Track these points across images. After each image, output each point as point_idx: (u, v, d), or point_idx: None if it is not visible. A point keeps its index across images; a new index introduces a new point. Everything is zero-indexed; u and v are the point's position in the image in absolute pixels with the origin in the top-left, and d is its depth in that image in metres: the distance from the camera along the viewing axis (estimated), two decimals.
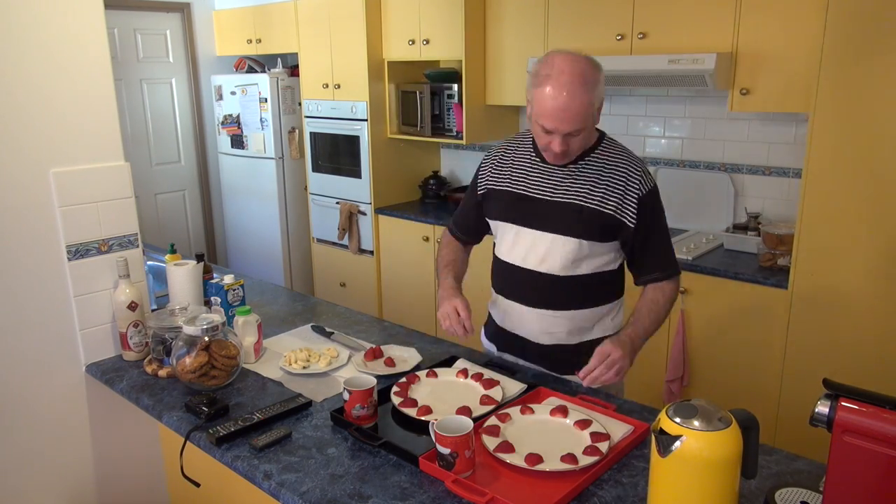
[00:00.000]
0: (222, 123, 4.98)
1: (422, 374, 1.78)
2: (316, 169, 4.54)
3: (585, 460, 1.38)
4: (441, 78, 3.96)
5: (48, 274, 1.91)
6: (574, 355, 1.76)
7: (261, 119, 4.66)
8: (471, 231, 2.00)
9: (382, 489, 1.35)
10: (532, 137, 1.79)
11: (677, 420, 1.11)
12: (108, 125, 1.98)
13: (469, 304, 1.78)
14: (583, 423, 1.51)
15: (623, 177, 1.71)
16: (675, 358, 2.98)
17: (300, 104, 4.59)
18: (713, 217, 3.35)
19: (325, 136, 4.41)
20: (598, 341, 1.68)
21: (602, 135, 1.77)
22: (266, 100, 4.58)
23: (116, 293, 1.97)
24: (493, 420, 1.53)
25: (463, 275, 1.98)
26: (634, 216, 1.70)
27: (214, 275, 2.18)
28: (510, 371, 1.81)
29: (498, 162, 1.87)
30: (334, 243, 4.51)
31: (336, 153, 4.38)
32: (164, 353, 1.86)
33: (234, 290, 2.09)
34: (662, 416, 1.14)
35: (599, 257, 1.75)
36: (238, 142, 4.90)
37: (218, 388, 1.78)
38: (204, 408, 1.62)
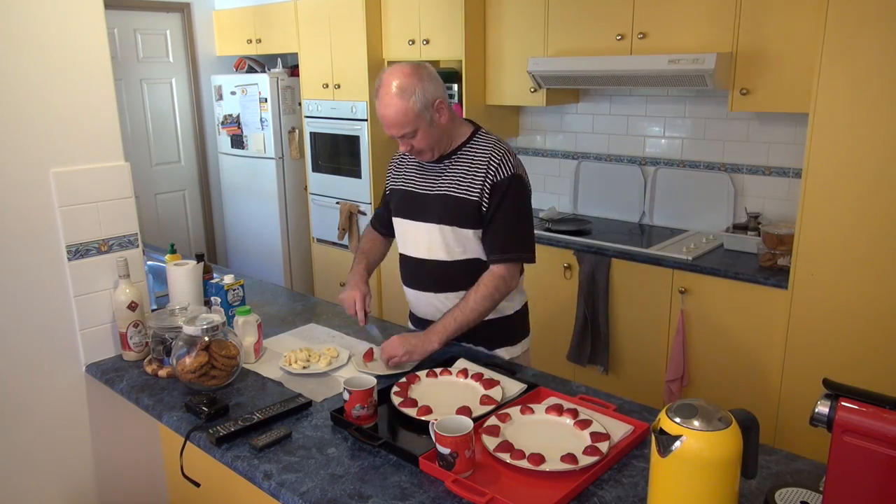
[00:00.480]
0: (222, 123, 4.98)
1: (422, 374, 1.78)
2: (316, 169, 4.54)
3: (585, 460, 1.38)
4: (441, 78, 3.95)
5: (48, 274, 1.91)
6: (477, 332, 1.92)
7: (261, 119, 4.66)
8: (388, 225, 2.13)
9: (382, 489, 1.35)
10: None
11: (677, 420, 1.11)
12: (108, 125, 1.98)
13: (369, 294, 2.03)
14: (583, 423, 1.51)
15: (485, 164, 1.87)
16: (675, 358, 2.98)
17: (300, 104, 4.59)
18: (713, 217, 3.36)
19: (325, 136, 4.41)
20: (499, 319, 1.97)
21: (476, 129, 1.96)
22: (266, 100, 4.58)
23: (116, 293, 1.97)
24: (493, 420, 1.53)
25: (376, 264, 2.19)
26: (488, 199, 1.85)
27: (214, 275, 2.18)
28: (510, 371, 1.81)
29: (397, 163, 2.08)
30: (334, 243, 4.51)
31: (336, 153, 4.38)
32: (164, 353, 1.86)
33: (234, 290, 2.09)
34: (662, 416, 1.14)
35: (472, 244, 1.92)
36: (238, 142, 4.90)
37: (218, 388, 1.78)
38: (204, 408, 1.62)
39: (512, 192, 1.85)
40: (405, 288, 2.10)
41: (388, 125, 1.81)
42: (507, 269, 1.88)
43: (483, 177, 1.86)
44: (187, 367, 1.73)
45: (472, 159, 1.89)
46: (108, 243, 2.00)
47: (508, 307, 2.01)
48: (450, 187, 1.90)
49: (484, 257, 1.92)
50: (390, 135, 1.84)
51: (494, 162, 1.86)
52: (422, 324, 2.06)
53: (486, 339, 2.00)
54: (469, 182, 1.87)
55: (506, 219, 1.87)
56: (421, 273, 2.00)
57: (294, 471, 1.41)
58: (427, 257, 1.96)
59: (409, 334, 1.87)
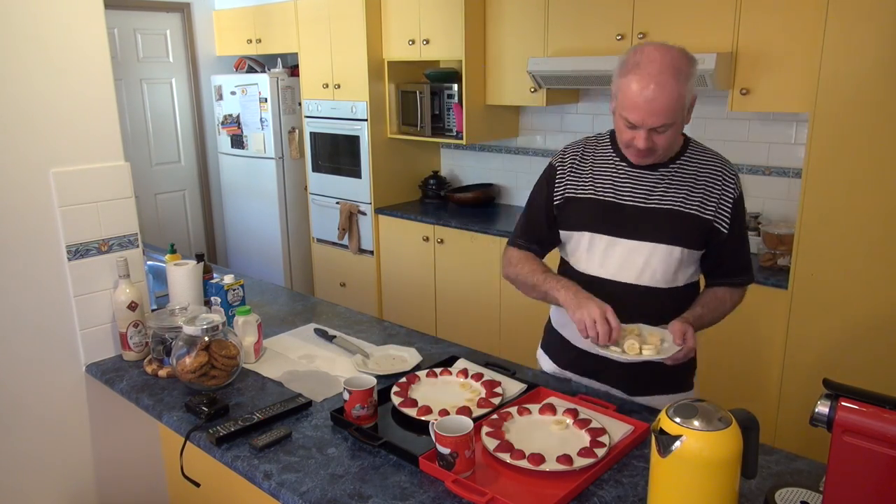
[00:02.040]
0: (222, 123, 4.98)
1: (422, 374, 1.78)
2: (316, 169, 4.54)
3: (585, 461, 1.38)
4: (441, 78, 3.96)
5: (48, 274, 1.91)
6: (650, 373, 1.63)
7: (261, 119, 4.66)
8: (544, 243, 1.77)
9: (382, 489, 1.35)
10: (610, 140, 1.70)
11: (677, 420, 1.11)
12: (108, 125, 1.98)
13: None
14: (582, 423, 1.51)
15: (719, 180, 1.61)
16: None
17: (300, 104, 4.59)
18: None
19: (325, 136, 4.41)
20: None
21: (687, 138, 1.67)
22: (266, 100, 4.58)
23: (116, 293, 1.97)
24: (493, 420, 1.53)
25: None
26: (728, 221, 1.61)
27: (214, 275, 2.18)
28: (510, 371, 1.81)
29: (576, 167, 1.70)
30: (334, 243, 4.51)
31: (336, 153, 4.38)
32: (164, 353, 1.86)
33: (234, 290, 2.09)
34: (662, 416, 1.14)
35: (692, 266, 1.67)
36: (238, 142, 4.90)
37: (218, 388, 1.78)
38: (204, 408, 1.62)
39: (745, 209, 1.67)
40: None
41: (652, 111, 1.46)
42: (745, 291, 1.71)
43: (720, 194, 1.60)
44: (187, 367, 1.73)
45: (698, 171, 1.62)
46: (108, 243, 2.00)
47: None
48: (678, 202, 1.60)
49: (688, 283, 1.68)
50: (641, 123, 1.49)
51: (731, 177, 1.62)
52: (585, 358, 1.73)
53: (662, 384, 1.71)
54: (701, 197, 1.60)
55: (746, 240, 1.69)
56: (623, 299, 1.60)
57: (294, 471, 1.41)
58: (636, 282, 1.63)
59: (689, 326, 1.55)
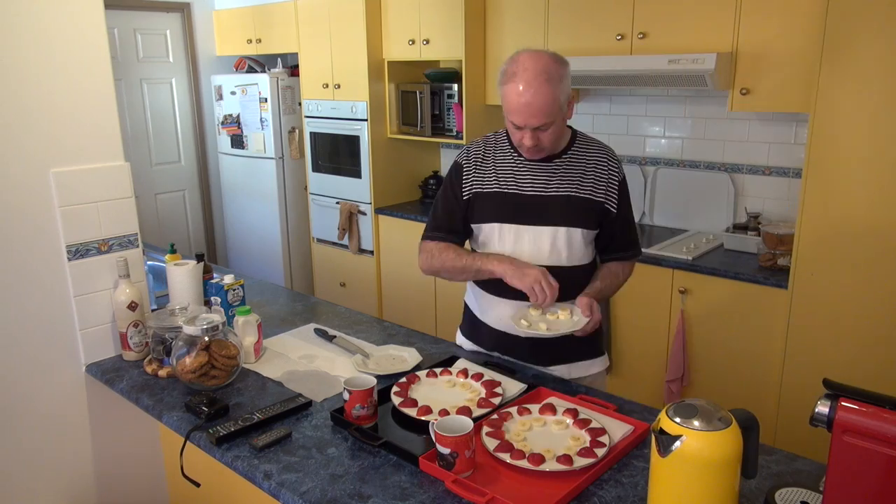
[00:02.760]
0: (222, 123, 4.98)
1: (422, 374, 1.78)
2: (316, 169, 4.54)
3: (585, 461, 1.38)
4: (441, 78, 3.96)
5: (48, 274, 1.91)
6: (561, 345, 1.82)
7: (261, 119, 4.66)
8: (459, 234, 1.90)
9: (382, 489, 1.35)
10: (507, 138, 1.85)
11: (677, 420, 1.11)
12: (108, 125, 1.98)
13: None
14: (582, 423, 1.52)
15: (605, 165, 1.81)
16: (675, 358, 2.98)
17: (300, 104, 4.59)
18: (713, 217, 3.35)
19: (325, 136, 4.41)
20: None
21: (574, 130, 1.85)
22: (266, 100, 4.58)
23: (116, 293, 1.97)
24: (493, 420, 1.53)
25: None
26: (616, 202, 1.81)
27: (214, 275, 2.18)
28: (510, 371, 1.81)
29: (479, 164, 1.85)
30: (334, 243, 4.51)
31: (336, 153, 4.38)
32: (164, 353, 1.86)
33: (234, 290, 2.09)
34: (662, 416, 1.14)
35: (589, 246, 1.85)
36: (238, 142, 4.90)
37: (218, 388, 1.78)
38: (204, 408, 1.62)
39: (627, 188, 1.86)
40: (492, 297, 1.86)
41: (531, 113, 1.64)
42: (634, 263, 1.93)
43: (606, 178, 1.79)
44: (187, 367, 1.73)
45: (587, 159, 1.80)
46: (108, 243, 2.00)
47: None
48: (572, 188, 1.78)
49: (588, 262, 1.85)
50: (525, 124, 1.66)
51: (614, 162, 1.82)
52: (499, 337, 1.88)
53: (575, 351, 1.86)
54: (592, 182, 1.78)
55: (631, 216, 1.89)
56: None
57: (294, 471, 1.41)
58: (546, 264, 1.77)
59: (592, 300, 1.73)
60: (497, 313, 1.87)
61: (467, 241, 1.94)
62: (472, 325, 1.98)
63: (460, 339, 2.05)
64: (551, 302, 1.68)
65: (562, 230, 1.78)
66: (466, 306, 2.02)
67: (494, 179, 1.82)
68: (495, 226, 1.82)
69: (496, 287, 1.82)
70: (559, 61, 1.67)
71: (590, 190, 1.78)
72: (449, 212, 1.89)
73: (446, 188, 1.91)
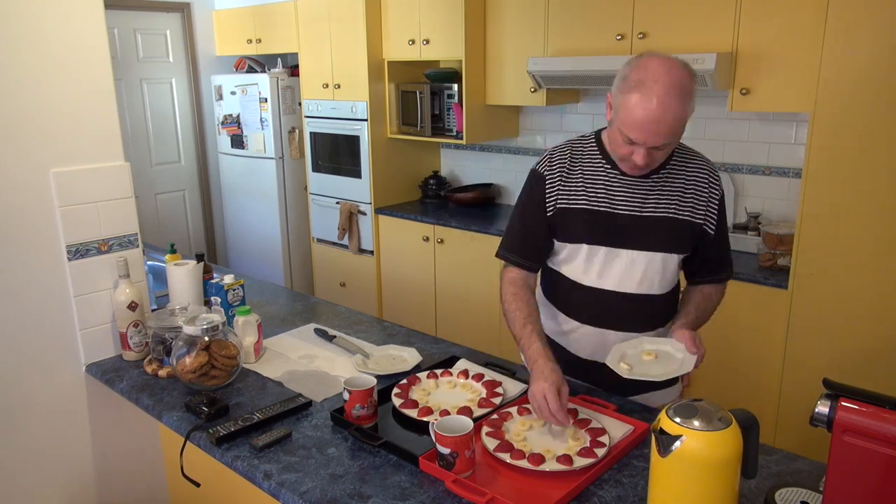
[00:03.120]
0: (222, 123, 4.98)
1: (422, 374, 1.78)
2: (316, 169, 4.54)
3: (585, 461, 1.38)
4: (441, 78, 3.96)
5: (48, 274, 1.91)
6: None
7: (261, 119, 4.66)
8: (539, 256, 1.72)
9: (382, 489, 1.35)
10: (595, 144, 1.67)
11: (677, 420, 1.11)
12: (108, 125, 1.98)
13: (562, 382, 1.49)
14: (582, 423, 1.51)
15: (705, 183, 1.62)
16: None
17: (300, 104, 4.59)
18: None
19: (325, 136, 4.41)
20: None
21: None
22: (266, 100, 4.58)
23: (116, 293, 1.97)
24: (493, 420, 1.53)
25: (541, 324, 1.67)
26: (715, 222, 1.63)
27: (214, 275, 2.18)
28: (510, 371, 1.81)
29: (566, 175, 1.65)
30: (334, 243, 4.51)
31: (336, 153, 4.38)
32: (164, 353, 1.86)
33: (234, 290, 2.09)
34: (662, 416, 1.14)
35: (674, 272, 1.68)
36: (238, 142, 4.90)
37: (218, 388, 1.78)
38: (204, 408, 1.62)
39: (724, 206, 1.68)
40: (580, 325, 1.69)
41: (657, 131, 1.44)
42: (726, 287, 1.74)
43: (707, 197, 1.61)
44: (187, 367, 1.73)
45: (686, 175, 1.62)
46: (108, 243, 2.00)
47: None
48: (671, 209, 1.59)
49: (675, 285, 1.70)
50: (643, 142, 1.46)
51: (715, 178, 1.63)
52: (583, 367, 1.73)
53: (655, 383, 1.64)
54: (692, 202, 1.60)
55: (726, 235, 1.70)
56: (623, 309, 1.64)
57: (294, 471, 1.41)
58: (637, 291, 1.62)
59: (691, 331, 1.56)
60: (577, 340, 1.71)
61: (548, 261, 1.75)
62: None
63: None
64: (550, 419, 1.47)
65: (658, 256, 1.60)
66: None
67: (583, 194, 1.62)
68: (584, 247, 1.63)
69: (573, 310, 1.70)
70: (692, 74, 1.48)
71: (689, 210, 1.60)
72: (527, 229, 1.70)
73: (524, 202, 1.71)
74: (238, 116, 4.82)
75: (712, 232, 1.63)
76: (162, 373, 1.87)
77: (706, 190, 1.62)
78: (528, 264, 1.72)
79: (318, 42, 4.27)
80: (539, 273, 1.77)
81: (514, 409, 1.58)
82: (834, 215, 2.48)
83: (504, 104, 3.80)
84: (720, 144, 3.31)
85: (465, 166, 4.42)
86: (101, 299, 2.00)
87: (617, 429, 1.51)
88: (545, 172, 1.67)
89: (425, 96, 3.97)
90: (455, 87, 3.85)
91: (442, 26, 3.72)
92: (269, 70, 4.73)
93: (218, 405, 1.64)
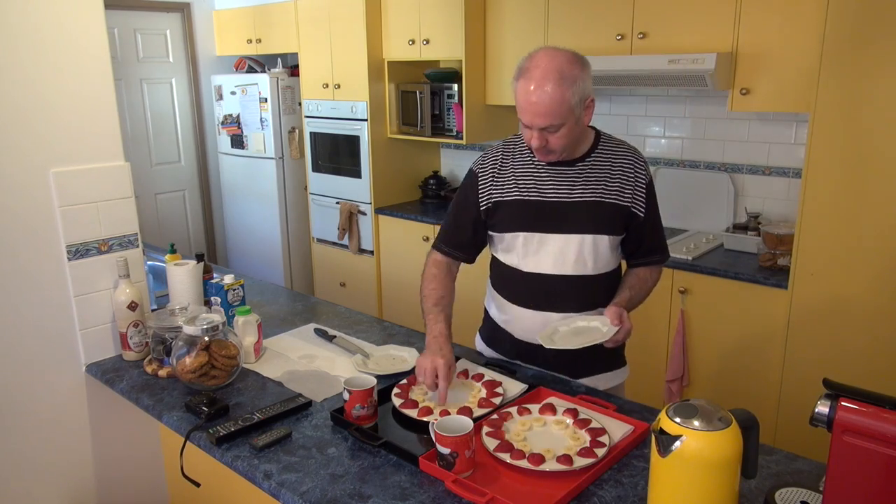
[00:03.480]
0: (222, 123, 4.98)
1: None
2: (316, 169, 4.54)
3: (585, 461, 1.38)
4: (441, 78, 3.96)
5: (48, 274, 1.91)
6: (588, 358, 1.78)
7: (261, 119, 4.66)
8: (469, 248, 1.86)
9: (382, 489, 1.35)
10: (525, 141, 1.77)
11: (677, 420, 1.11)
12: (108, 125, 1.98)
13: (453, 363, 1.67)
14: (582, 423, 1.52)
15: (631, 167, 1.74)
16: (675, 358, 2.98)
17: (300, 104, 4.59)
18: (713, 217, 3.35)
19: (325, 136, 4.41)
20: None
21: (598, 132, 1.78)
22: (266, 100, 4.58)
23: (116, 293, 1.97)
24: (493, 420, 1.53)
25: (451, 309, 1.83)
26: (644, 205, 1.74)
27: (214, 275, 2.18)
28: (510, 371, 1.81)
29: (497, 171, 1.79)
30: (334, 243, 4.51)
31: (336, 153, 4.38)
32: (164, 353, 1.86)
33: (234, 290, 2.09)
34: (662, 416, 1.14)
35: (614, 252, 1.78)
36: (238, 142, 4.90)
37: (218, 388, 1.78)
38: (204, 408, 1.62)
39: (654, 193, 1.78)
40: (519, 309, 1.80)
41: (537, 113, 1.59)
42: (661, 270, 1.87)
43: (633, 181, 1.72)
44: (187, 367, 1.73)
45: (612, 162, 1.73)
46: (108, 243, 2.00)
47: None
48: (598, 193, 1.71)
49: (615, 269, 1.80)
50: (531, 124, 1.61)
51: (641, 163, 1.74)
52: (521, 348, 1.85)
53: (600, 363, 1.82)
54: (619, 186, 1.71)
55: (657, 219, 1.81)
56: (556, 291, 1.75)
57: (294, 471, 1.41)
58: (571, 273, 1.73)
59: (622, 309, 1.66)
60: (523, 325, 1.81)
61: (493, 251, 1.88)
62: (493, 332, 1.92)
63: (480, 346, 1.99)
64: (433, 388, 1.62)
65: (588, 238, 1.71)
66: (487, 313, 1.97)
67: (514, 186, 1.75)
68: (519, 235, 1.75)
69: (519, 297, 1.80)
70: (577, 61, 1.60)
71: (616, 194, 1.71)
72: (459, 224, 1.84)
73: (458, 201, 1.85)
74: (238, 116, 4.82)
75: (641, 214, 1.74)
76: (162, 373, 1.87)
77: (632, 175, 1.73)
78: (455, 254, 1.88)
79: (318, 42, 4.27)
80: (489, 267, 1.91)
81: (514, 409, 1.58)
82: (834, 215, 2.48)
83: (504, 104, 3.80)
84: (720, 144, 3.31)
85: (465, 166, 4.42)
86: (101, 299, 2.00)
87: (617, 429, 1.51)
88: (478, 171, 1.82)
89: (425, 96, 3.97)
90: (455, 87, 3.85)
91: (442, 26, 3.72)
92: (269, 70, 4.73)
93: (218, 405, 1.64)
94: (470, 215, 1.81)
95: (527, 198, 1.74)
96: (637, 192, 1.73)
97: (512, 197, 1.75)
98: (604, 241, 1.72)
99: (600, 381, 1.83)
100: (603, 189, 1.71)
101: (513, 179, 1.76)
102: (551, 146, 1.64)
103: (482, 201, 1.79)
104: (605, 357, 1.81)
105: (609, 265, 1.77)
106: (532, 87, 1.58)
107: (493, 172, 1.79)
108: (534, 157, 1.74)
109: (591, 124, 1.74)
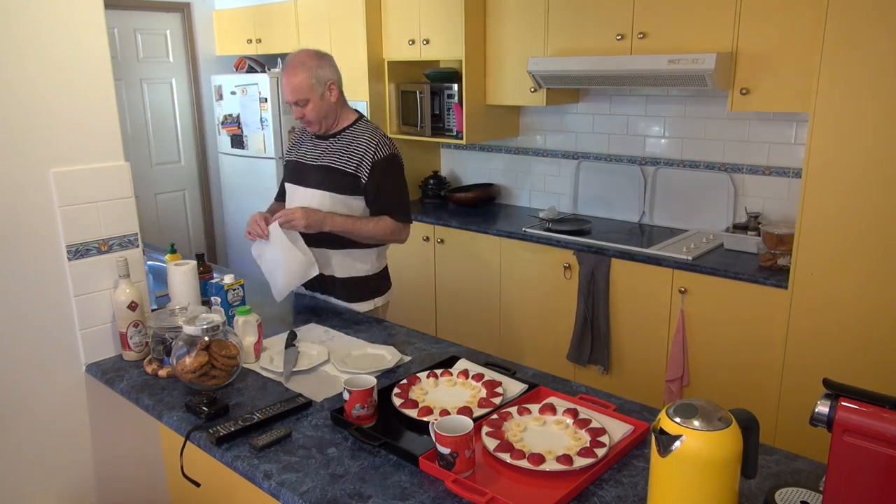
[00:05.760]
0: (222, 123, 4.97)
1: (422, 375, 1.78)
2: None
3: (585, 461, 1.38)
4: (441, 78, 3.96)
5: (48, 274, 1.91)
6: (345, 287, 2.39)
7: (261, 119, 4.66)
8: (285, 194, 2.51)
9: (382, 489, 1.35)
10: None
11: (677, 420, 1.11)
12: (108, 125, 1.98)
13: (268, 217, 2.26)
14: (582, 423, 1.52)
15: (364, 145, 2.28)
16: (675, 358, 2.98)
17: None
18: (713, 217, 3.36)
19: None
20: (364, 278, 2.39)
21: (360, 117, 2.37)
22: (266, 99, 4.58)
23: (116, 293, 1.97)
24: (493, 420, 1.53)
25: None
26: (368, 174, 2.26)
27: (214, 275, 2.18)
28: (510, 371, 1.81)
29: (294, 140, 2.50)
30: None
31: None
32: (164, 353, 1.86)
33: (234, 289, 2.09)
34: (662, 416, 1.14)
35: (346, 207, 2.29)
36: (238, 142, 4.89)
37: (218, 388, 1.78)
38: (204, 408, 1.62)
39: (392, 169, 2.30)
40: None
41: (288, 91, 2.23)
42: (399, 225, 2.34)
43: (362, 155, 2.26)
44: (187, 367, 1.73)
45: (352, 140, 2.30)
46: (108, 243, 2.00)
47: (369, 269, 2.41)
48: (332, 160, 2.30)
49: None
50: (287, 101, 2.26)
51: (373, 145, 2.27)
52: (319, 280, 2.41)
53: (346, 294, 2.40)
54: (347, 157, 2.28)
55: (394, 189, 2.32)
56: (323, 234, 2.29)
57: (294, 471, 1.41)
58: None
59: (311, 209, 2.25)
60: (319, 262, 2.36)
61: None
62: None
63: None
64: (257, 229, 2.26)
65: (318, 192, 2.30)
66: None
67: (296, 150, 2.45)
68: (287, 185, 2.46)
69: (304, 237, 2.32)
70: (318, 54, 2.27)
71: (343, 162, 2.28)
72: (283, 178, 2.56)
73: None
74: (238, 116, 4.82)
75: (364, 180, 2.26)
76: (162, 373, 1.87)
77: (362, 150, 2.27)
78: (280, 198, 2.61)
79: (318, 42, 4.26)
80: None
81: (514, 409, 1.58)
82: (834, 215, 2.48)
83: (504, 104, 3.80)
84: (720, 144, 3.31)
85: (465, 166, 4.42)
86: (101, 299, 2.00)
87: (617, 429, 1.51)
88: (290, 138, 2.69)
89: (425, 96, 3.97)
90: (455, 87, 3.85)
91: (442, 26, 3.72)
92: (269, 70, 4.73)
93: (218, 405, 1.64)
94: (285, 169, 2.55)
95: (296, 159, 2.42)
96: (363, 163, 2.25)
97: (292, 157, 2.46)
98: (327, 196, 2.28)
99: (365, 305, 2.40)
100: (336, 158, 2.30)
101: (298, 144, 2.46)
102: (307, 117, 2.27)
103: (285, 159, 2.54)
104: (368, 288, 2.42)
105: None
106: (284, 74, 2.24)
107: (293, 138, 2.55)
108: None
109: (354, 110, 2.36)
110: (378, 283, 2.46)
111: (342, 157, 2.29)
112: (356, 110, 2.40)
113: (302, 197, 2.34)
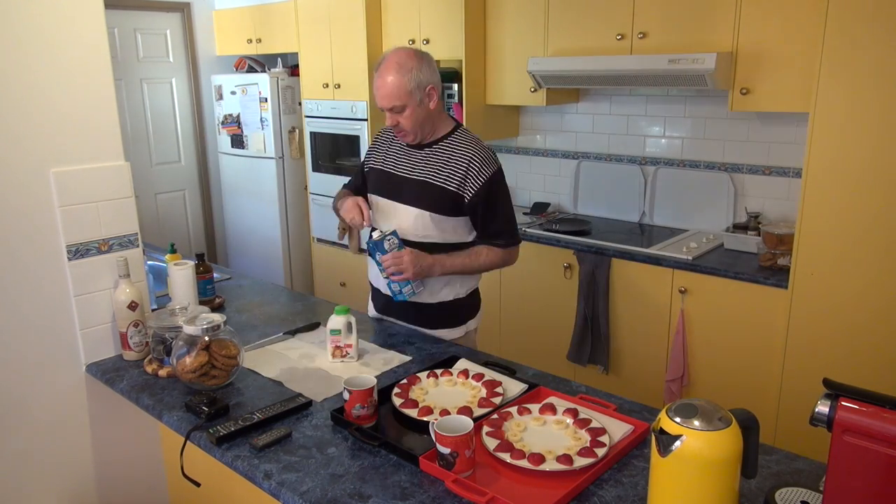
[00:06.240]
0: (222, 123, 4.98)
1: (422, 374, 1.78)
2: (316, 169, 4.54)
3: (585, 460, 1.38)
4: (441, 78, 3.95)
5: (48, 274, 1.91)
6: (433, 312, 2.12)
7: (261, 119, 4.66)
8: (358, 194, 2.23)
9: (382, 489, 1.35)
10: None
11: (677, 420, 1.11)
12: (108, 125, 1.98)
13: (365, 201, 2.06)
14: (582, 423, 1.52)
15: (466, 160, 2.01)
16: (675, 358, 2.98)
17: (300, 104, 4.59)
18: (713, 217, 3.36)
19: (326, 136, 4.41)
20: (450, 302, 2.12)
21: (457, 125, 2.11)
22: (266, 99, 4.58)
23: (116, 293, 1.97)
24: (493, 420, 1.53)
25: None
26: (473, 192, 1.99)
27: (215, 274, 2.18)
28: (510, 371, 1.81)
29: (379, 145, 2.22)
30: (334, 243, 4.51)
31: (336, 153, 4.38)
32: (165, 353, 1.86)
33: (388, 238, 2.00)
34: (662, 415, 1.14)
35: (446, 228, 2.05)
36: (238, 141, 4.90)
37: (218, 388, 1.78)
38: (204, 407, 1.62)
39: (499, 186, 2.04)
40: (372, 262, 2.16)
41: (382, 96, 1.95)
42: (510, 249, 2.11)
43: (465, 170, 1.99)
44: (187, 366, 1.73)
45: (452, 152, 2.03)
46: (108, 243, 2.00)
47: (461, 291, 2.16)
48: (429, 175, 2.03)
49: (443, 242, 2.06)
50: (381, 107, 1.98)
51: (478, 159, 2.01)
52: (381, 298, 2.21)
53: (430, 320, 2.14)
54: (449, 172, 2.01)
55: (504, 209, 2.07)
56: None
57: (294, 470, 1.41)
58: (415, 239, 2.04)
59: (421, 254, 1.98)
60: (376, 277, 2.19)
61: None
62: (372, 290, 2.30)
63: (368, 303, 2.34)
64: (359, 223, 2.05)
65: (411, 209, 2.04)
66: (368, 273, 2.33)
67: (383, 159, 2.17)
68: (372, 196, 2.17)
69: None
70: (415, 55, 1.96)
71: (444, 178, 2.01)
72: (356, 180, 2.33)
73: (364, 160, 2.30)
74: (238, 116, 4.82)
75: (468, 199, 1.99)
76: (162, 373, 1.87)
77: (464, 164, 2.00)
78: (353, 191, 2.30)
79: (318, 42, 4.27)
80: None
81: (514, 409, 1.58)
82: (834, 215, 2.48)
83: (504, 104, 3.80)
84: (720, 144, 3.31)
85: None
86: (101, 299, 2.00)
87: (617, 429, 1.51)
88: (374, 139, 2.25)
89: None
90: (455, 86, 3.85)
91: (442, 26, 3.72)
92: (269, 70, 4.73)
93: (218, 405, 1.64)
94: (361, 173, 2.28)
95: (384, 168, 2.14)
96: (468, 180, 1.99)
97: (378, 166, 2.17)
98: (422, 214, 2.02)
99: (444, 333, 2.13)
100: (435, 172, 2.02)
101: (384, 152, 2.17)
102: (402, 126, 2.00)
103: (366, 165, 2.24)
104: (447, 316, 2.14)
105: (434, 238, 2.04)
106: (377, 76, 1.95)
107: (376, 144, 2.23)
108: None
109: (450, 118, 2.11)
110: (469, 307, 2.22)
111: (442, 171, 2.01)
112: (453, 117, 2.17)
113: (393, 213, 2.09)
